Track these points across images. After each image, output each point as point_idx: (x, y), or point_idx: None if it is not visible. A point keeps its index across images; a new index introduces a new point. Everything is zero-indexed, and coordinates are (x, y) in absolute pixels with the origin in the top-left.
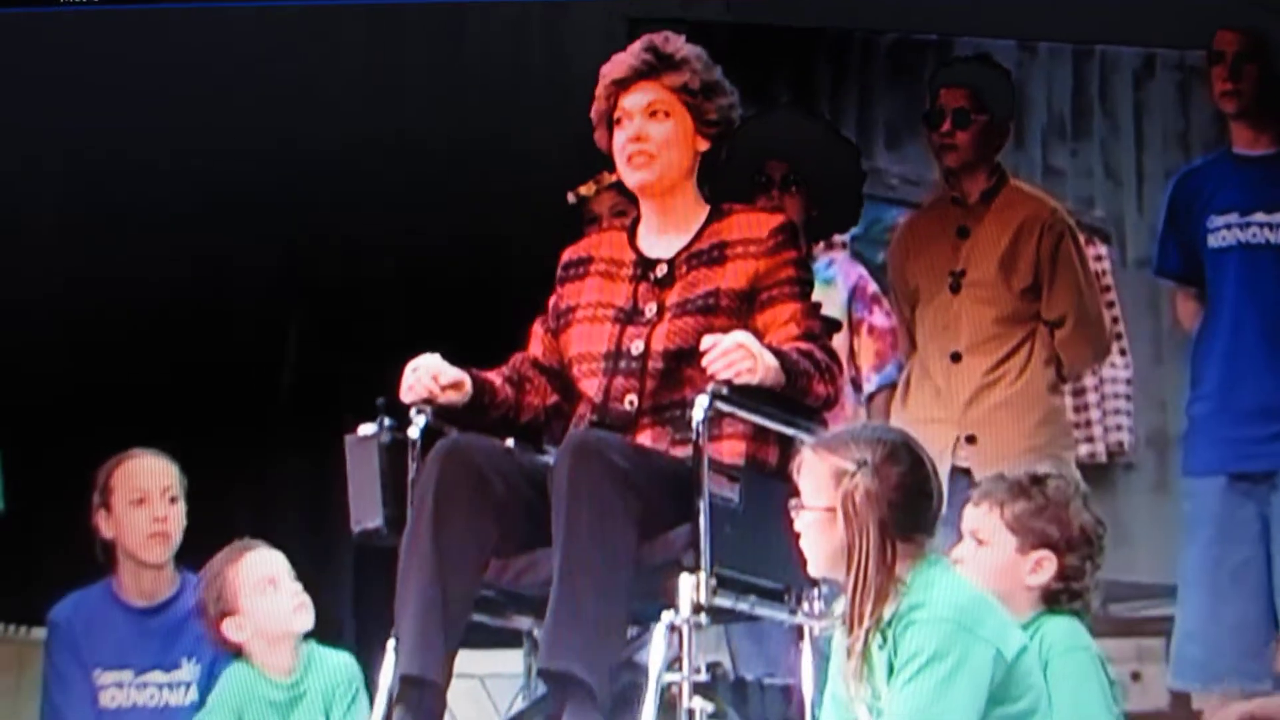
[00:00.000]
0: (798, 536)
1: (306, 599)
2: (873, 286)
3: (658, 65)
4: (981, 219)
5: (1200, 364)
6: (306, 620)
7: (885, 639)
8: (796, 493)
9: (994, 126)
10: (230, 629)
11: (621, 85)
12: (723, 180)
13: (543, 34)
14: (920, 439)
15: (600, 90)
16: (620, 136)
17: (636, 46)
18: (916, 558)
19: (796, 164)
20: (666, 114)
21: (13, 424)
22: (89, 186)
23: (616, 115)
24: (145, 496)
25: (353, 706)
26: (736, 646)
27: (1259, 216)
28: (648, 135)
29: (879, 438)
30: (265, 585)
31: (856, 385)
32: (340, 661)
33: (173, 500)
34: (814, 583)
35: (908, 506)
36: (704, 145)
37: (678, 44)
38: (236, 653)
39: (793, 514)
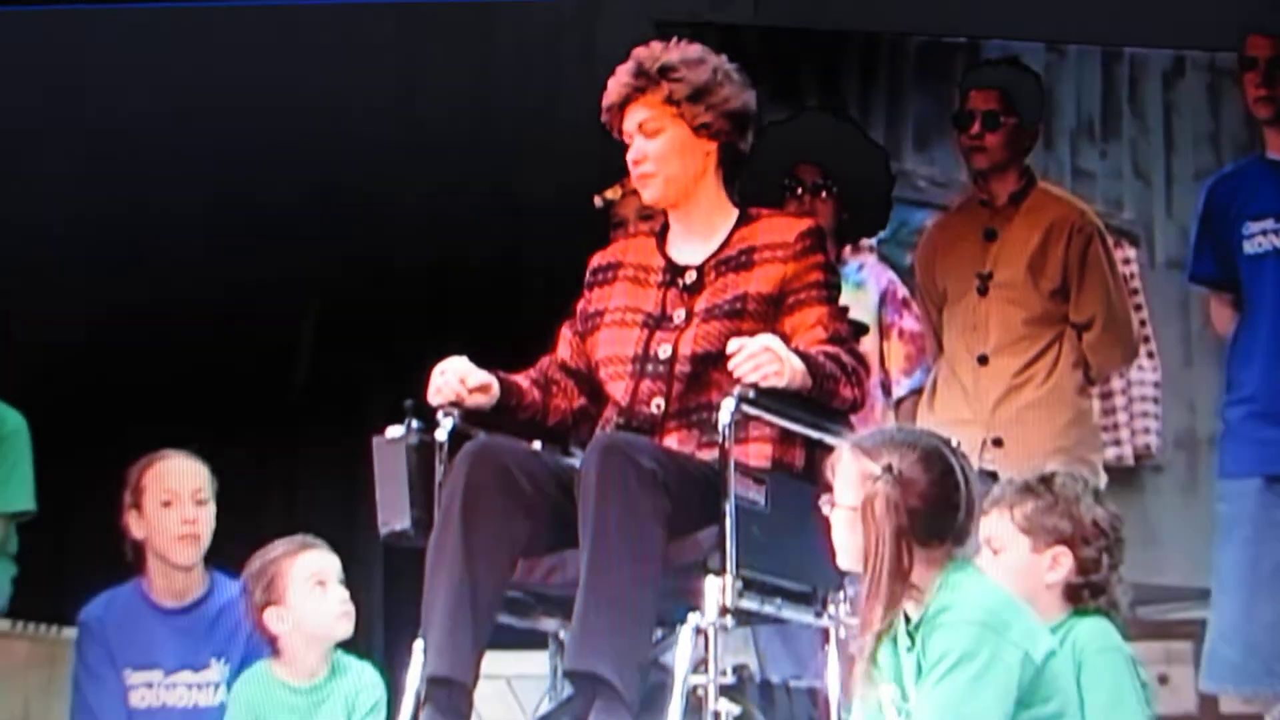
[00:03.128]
0: (827, 533)
1: (351, 608)
2: (903, 290)
3: (641, 84)
4: (1010, 221)
5: (1236, 368)
6: (347, 628)
7: (914, 641)
8: (828, 490)
9: (1023, 129)
10: (272, 619)
11: (616, 109)
12: (753, 184)
13: (571, 38)
14: None
15: (604, 117)
16: (629, 159)
17: (623, 68)
18: (940, 564)
19: (827, 168)
20: (658, 129)
21: (43, 425)
22: (116, 188)
23: (624, 137)
24: (175, 498)
25: (371, 715)
26: (764, 648)
27: None
28: (644, 154)
29: (912, 443)
30: (315, 585)
31: (886, 389)
32: (365, 671)
33: (203, 502)
34: (840, 585)
35: (930, 515)
36: (710, 146)
37: (658, 54)
38: (272, 641)
39: (824, 508)
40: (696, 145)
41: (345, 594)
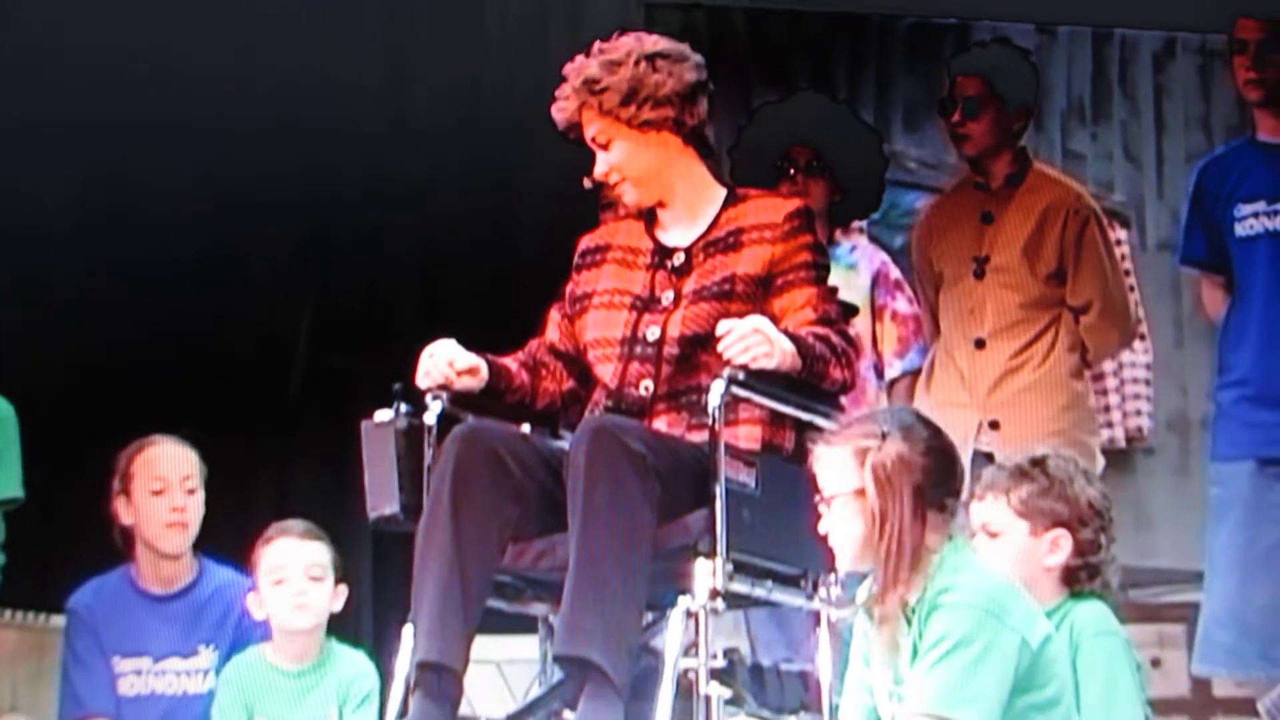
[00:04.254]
0: (819, 527)
1: (309, 601)
2: (895, 272)
3: (576, 101)
4: (1006, 204)
5: (1228, 351)
6: (299, 621)
7: (910, 623)
8: (816, 489)
9: (1009, 113)
10: (254, 604)
11: (570, 131)
12: (746, 164)
13: (561, 21)
14: (944, 423)
15: (570, 136)
16: None
17: (560, 89)
18: (944, 534)
19: (821, 149)
20: (607, 140)
21: (31, 411)
22: (110, 175)
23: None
24: (165, 485)
25: (364, 705)
26: (756, 632)
27: None
28: (607, 166)
29: (892, 414)
30: (276, 577)
31: (879, 372)
32: (358, 659)
33: (192, 490)
34: (832, 567)
35: (938, 471)
36: (663, 133)
37: (581, 68)
38: (266, 625)
39: (820, 509)
40: (647, 141)
41: (300, 587)
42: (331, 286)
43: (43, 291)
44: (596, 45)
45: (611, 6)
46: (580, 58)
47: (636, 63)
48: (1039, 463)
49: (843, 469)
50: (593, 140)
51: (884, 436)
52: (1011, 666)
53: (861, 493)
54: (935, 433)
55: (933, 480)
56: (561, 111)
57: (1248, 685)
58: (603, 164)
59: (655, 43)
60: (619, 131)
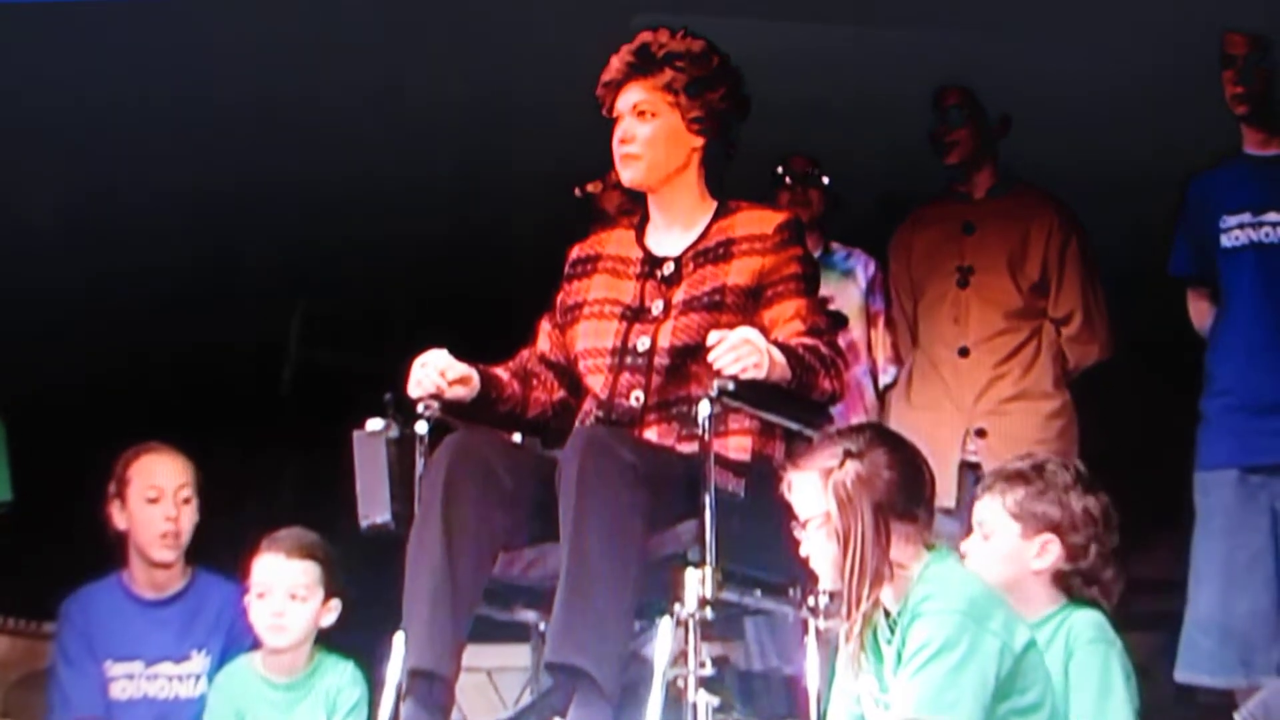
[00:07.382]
0: (800, 551)
1: (286, 623)
2: None
3: (643, 65)
4: (989, 216)
5: (1215, 361)
6: (274, 640)
7: (893, 631)
8: (792, 515)
9: (990, 125)
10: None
11: (613, 86)
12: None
13: (557, 30)
14: (926, 432)
15: (599, 91)
16: (615, 136)
17: (628, 47)
18: (919, 544)
19: (819, 159)
20: (653, 114)
21: (26, 417)
22: (105, 182)
23: (614, 115)
24: (159, 494)
25: (352, 715)
26: (753, 639)
27: (1271, 216)
28: (633, 136)
29: (856, 430)
30: (258, 591)
31: (875, 377)
32: (346, 669)
33: (186, 500)
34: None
35: (904, 482)
36: (698, 140)
37: (665, 41)
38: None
39: (798, 537)
40: (685, 138)
41: (279, 607)
42: (326, 291)
43: (40, 299)
44: (681, 33)
45: (608, 19)
46: (664, 31)
47: (720, 66)
48: (1038, 467)
49: (813, 492)
50: (633, 106)
51: (846, 455)
52: (993, 671)
53: (828, 516)
54: (898, 445)
55: (898, 493)
56: (623, 65)
57: (1230, 693)
58: (629, 131)
59: (729, 61)
60: (669, 112)
